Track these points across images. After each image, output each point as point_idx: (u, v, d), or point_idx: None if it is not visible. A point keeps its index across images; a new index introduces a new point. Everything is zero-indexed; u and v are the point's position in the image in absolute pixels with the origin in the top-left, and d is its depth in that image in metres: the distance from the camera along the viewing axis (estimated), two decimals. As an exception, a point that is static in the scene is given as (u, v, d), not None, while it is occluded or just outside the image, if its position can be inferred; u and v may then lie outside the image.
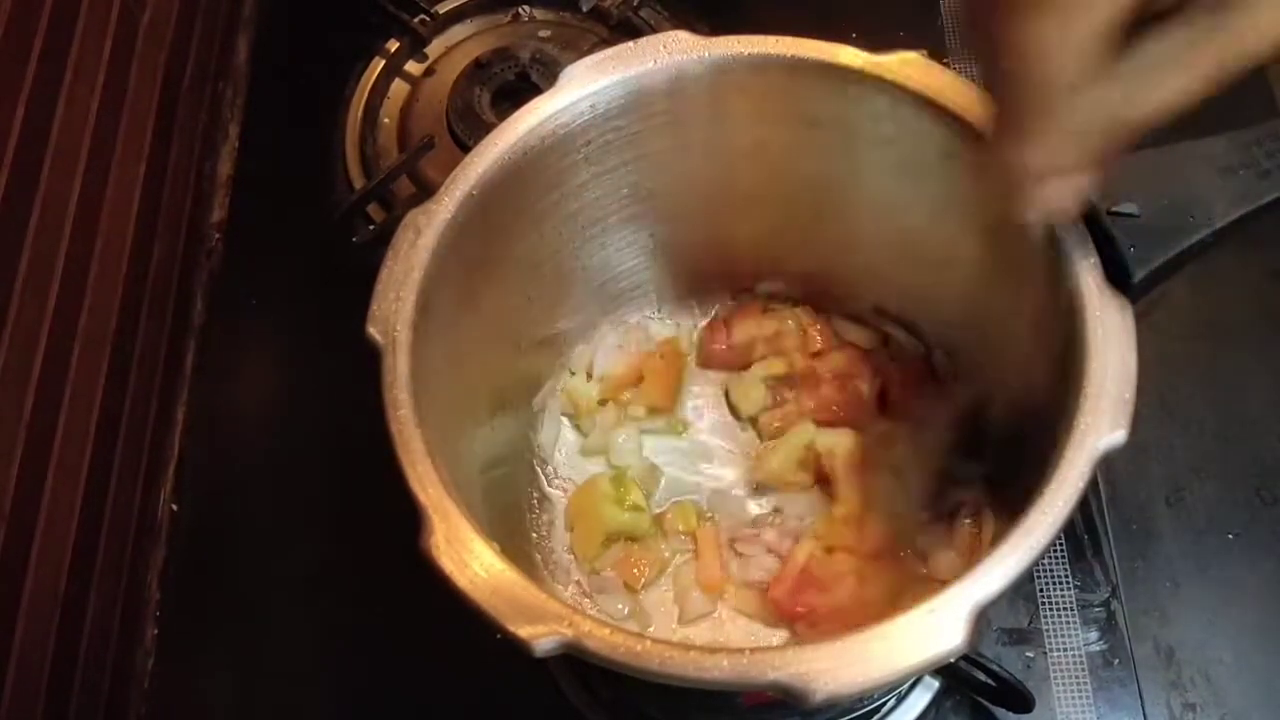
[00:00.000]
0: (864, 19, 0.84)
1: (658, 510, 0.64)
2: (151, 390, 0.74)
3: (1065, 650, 0.64)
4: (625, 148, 0.57)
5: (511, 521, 0.63)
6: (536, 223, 0.58)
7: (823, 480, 0.64)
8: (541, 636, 0.41)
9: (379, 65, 0.87)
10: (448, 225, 0.51)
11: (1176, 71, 0.37)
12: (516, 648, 0.41)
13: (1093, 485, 0.66)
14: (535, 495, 0.65)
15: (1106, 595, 0.65)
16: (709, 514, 0.64)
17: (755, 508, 0.64)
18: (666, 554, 0.63)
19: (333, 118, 0.85)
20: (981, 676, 0.59)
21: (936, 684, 0.62)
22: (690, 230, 0.64)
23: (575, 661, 0.42)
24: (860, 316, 0.67)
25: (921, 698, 0.62)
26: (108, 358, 0.69)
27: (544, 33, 0.87)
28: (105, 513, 0.68)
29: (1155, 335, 0.72)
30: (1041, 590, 0.65)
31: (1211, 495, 0.68)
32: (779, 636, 0.60)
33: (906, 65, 0.53)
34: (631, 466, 0.65)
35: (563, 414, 0.67)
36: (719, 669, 0.40)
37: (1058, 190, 0.40)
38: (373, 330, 0.49)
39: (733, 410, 0.67)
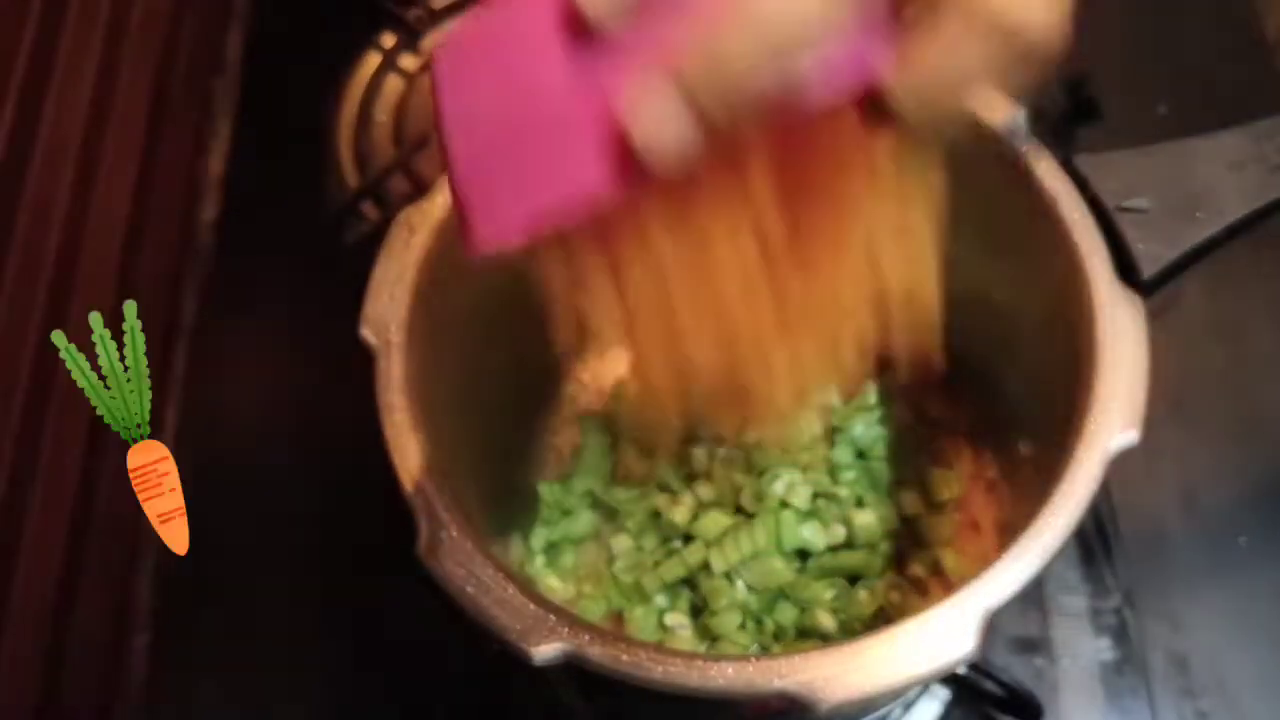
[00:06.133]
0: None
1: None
2: (142, 392, 0.73)
3: (1076, 659, 0.62)
4: (622, 140, 0.56)
5: (509, 524, 0.62)
6: (532, 219, 0.57)
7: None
8: (541, 646, 0.40)
9: (373, 61, 0.86)
10: (442, 223, 0.50)
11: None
12: (515, 657, 0.41)
13: (1104, 490, 0.65)
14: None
15: (1118, 602, 0.64)
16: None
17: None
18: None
19: (326, 114, 0.84)
20: (990, 686, 0.59)
21: (945, 693, 0.61)
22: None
23: (575, 670, 0.41)
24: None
25: (930, 707, 0.61)
26: (97, 360, 0.68)
27: (541, 27, 0.86)
28: (94, 519, 0.66)
29: (1169, 337, 0.71)
30: (1051, 597, 0.64)
31: (1226, 499, 0.67)
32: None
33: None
34: None
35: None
36: (723, 678, 0.40)
37: None
38: (366, 332, 0.48)
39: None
